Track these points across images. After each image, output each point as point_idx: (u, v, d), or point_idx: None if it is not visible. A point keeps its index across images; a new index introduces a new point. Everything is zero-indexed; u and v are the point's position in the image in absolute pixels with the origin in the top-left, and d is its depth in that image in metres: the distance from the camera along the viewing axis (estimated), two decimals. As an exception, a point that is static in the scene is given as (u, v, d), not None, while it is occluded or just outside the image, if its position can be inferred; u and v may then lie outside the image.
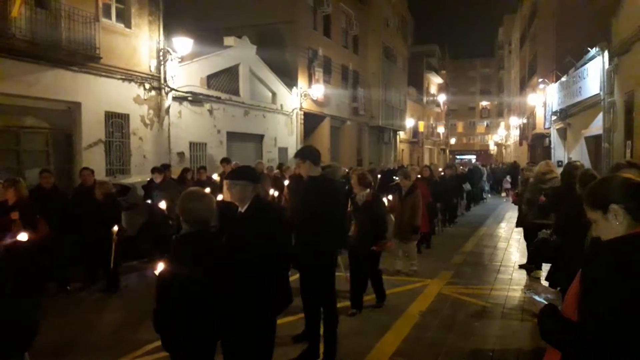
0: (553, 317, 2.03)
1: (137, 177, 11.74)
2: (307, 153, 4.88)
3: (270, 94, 20.74)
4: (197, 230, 3.13)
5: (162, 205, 8.43)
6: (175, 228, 8.30)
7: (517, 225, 8.97)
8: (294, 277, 5.14)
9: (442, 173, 14.26)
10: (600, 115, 14.40)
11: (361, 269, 6.28)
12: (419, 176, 11.01)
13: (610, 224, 1.97)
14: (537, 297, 2.14)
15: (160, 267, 3.17)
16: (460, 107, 66.47)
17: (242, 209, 3.58)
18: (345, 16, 27.80)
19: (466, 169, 20.17)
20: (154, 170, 9.65)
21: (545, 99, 23.70)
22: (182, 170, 11.47)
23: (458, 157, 61.64)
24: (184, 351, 3.05)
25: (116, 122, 13.41)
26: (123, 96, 13.43)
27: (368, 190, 6.42)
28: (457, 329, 5.78)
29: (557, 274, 4.85)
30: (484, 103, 68.32)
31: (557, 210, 6.68)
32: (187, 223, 3.15)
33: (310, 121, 23.74)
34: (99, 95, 12.66)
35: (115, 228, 7.06)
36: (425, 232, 9.92)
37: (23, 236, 5.61)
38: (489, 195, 24.24)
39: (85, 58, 11.91)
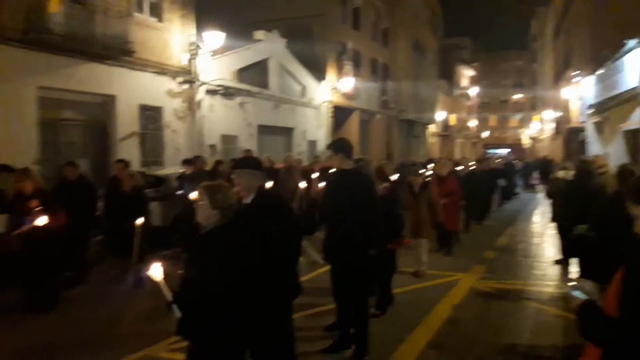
0: (593, 314, 1.99)
1: (171, 168, 11.93)
2: (339, 145, 4.82)
3: (299, 88, 20.79)
4: (229, 220, 3.14)
5: (194, 195, 8.54)
6: None
7: (553, 220, 8.77)
8: (323, 269, 5.40)
9: (473, 167, 13.76)
10: (639, 109, 13.98)
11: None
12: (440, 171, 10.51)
13: None
14: (578, 294, 2.07)
15: (154, 268, 3.10)
16: (492, 100, 65.35)
17: (247, 200, 3.59)
18: (375, 9, 27.60)
19: (502, 163, 19.71)
20: (185, 162, 9.82)
21: (580, 92, 23.09)
22: (215, 162, 11.61)
23: (490, 151, 60.64)
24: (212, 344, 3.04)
25: (150, 114, 13.66)
26: (156, 89, 13.66)
27: (385, 183, 6.21)
28: (490, 323, 5.72)
29: (594, 271, 4.73)
30: (517, 96, 66.95)
31: (565, 204, 6.71)
32: (222, 214, 3.12)
33: (340, 114, 23.70)
34: (133, 89, 12.90)
35: (140, 221, 6.91)
36: (454, 229, 9.52)
37: (42, 220, 5.80)
38: (522, 191, 23.77)
39: (119, 52, 12.12)
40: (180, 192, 9.34)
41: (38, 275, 6.09)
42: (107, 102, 12.59)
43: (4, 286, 6.35)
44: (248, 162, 3.83)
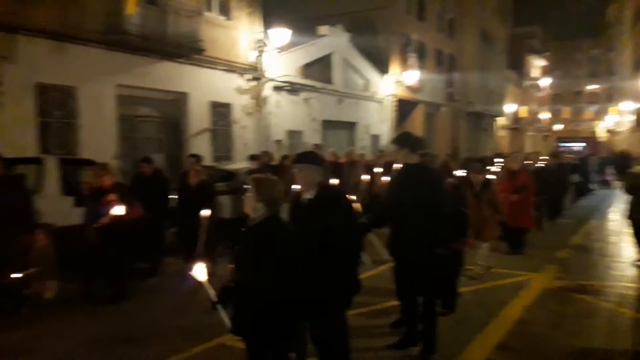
0: None
1: (240, 163, 12.28)
2: (404, 140, 4.71)
3: (363, 82, 20.75)
4: (275, 213, 3.11)
5: None
6: None
7: (629, 217, 8.21)
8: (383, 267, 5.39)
9: (544, 162, 13.06)
10: None
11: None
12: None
13: None
14: None
15: (198, 268, 3.07)
16: (565, 92, 62.18)
17: (307, 195, 3.62)
18: (441, -1, 27.02)
19: (576, 158, 18.82)
20: (251, 157, 10.07)
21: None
22: (281, 157, 11.84)
23: (563, 144, 57.81)
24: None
25: (220, 111, 14.14)
26: (225, 86, 14.11)
27: (450, 179, 5.90)
28: (565, 325, 5.52)
29: None
30: (592, 87, 63.39)
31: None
32: (268, 207, 3.08)
33: (404, 108, 23.43)
34: (203, 86, 13.39)
35: (205, 212, 6.82)
36: (527, 227, 9.05)
37: (119, 209, 6.05)
38: (597, 187, 22.55)
39: (190, 50, 12.61)
40: (247, 186, 9.54)
41: (113, 266, 6.33)
42: (180, 99, 13.15)
43: (78, 277, 6.59)
44: (310, 157, 3.81)
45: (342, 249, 3.50)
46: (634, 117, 35.97)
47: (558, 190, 12.62)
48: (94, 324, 5.57)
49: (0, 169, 5.66)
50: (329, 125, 18.70)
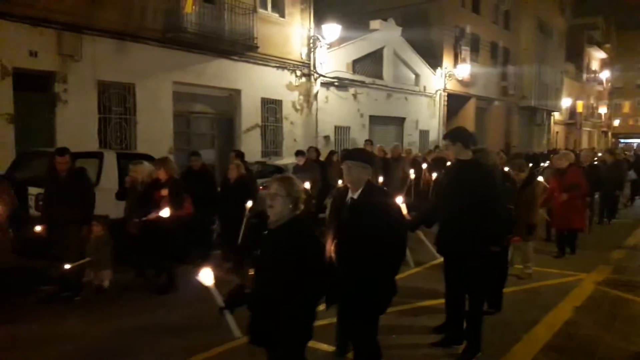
0: None
1: (289, 158, 12.52)
2: (457, 134, 4.60)
3: (413, 76, 20.60)
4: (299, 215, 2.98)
5: (306, 186, 8.82)
6: (316, 207, 8.55)
7: None
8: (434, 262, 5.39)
9: (597, 160, 12.41)
10: None
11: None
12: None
13: None
14: None
15: (204, 273, 2.96)
16: (626, 85, 59.17)
17: (354, 194, 3.47)
18: (497, -11, 26.36)
19: (631, 154, 18.00)
20: (297, 153, 10.03)
21: None
22: (329, 152, 11.98)
23: (622, 140, 55.21)
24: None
25: (270, 107, 14.44)
26: (277, 83, 14.38)
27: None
28: (617, 328, 5.38)
29: None
30: (657, 79, 60.10)
31: None
32: (296, 206, 2.95)
33: (454, 102, 23.10)
34: (256, 83, 13.71)
35: (249, 204, 6.86)
36: (579, 228, 8.60)
37: (165, 212, 6.08)
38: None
39: (244, 48, 12.94)
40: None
41: (161, 259, 6.45)
42: (233, 96, 13.52)
43: (124, 267, 6.74)
44: (360, 154, 3.64)
45: (386, 253, 3.36)
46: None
47: (613, 189, 12.01)
48: (143, 314, 5.72)
49: (68, 163, 5.97)
50: (377, 120, 18.70)
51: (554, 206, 8.33)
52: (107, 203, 6.85)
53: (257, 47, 13.09)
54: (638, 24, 56.10)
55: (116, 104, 11.02)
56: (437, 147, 15.42)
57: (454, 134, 4.64)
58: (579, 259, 8.15)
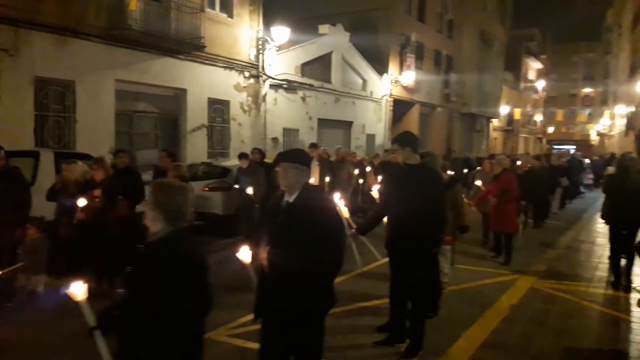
0: None
1: (237, 160, 12.39)
2: (406, 139, 4.66)
3: (360, 81, 20.91)
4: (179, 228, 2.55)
5: (249, 190, 8.68)
6: (258, 212, 8.52)
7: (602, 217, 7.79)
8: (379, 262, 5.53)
9: (529, 165, 12.12)
10: None
11: None
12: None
13: None
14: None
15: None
16: (560, 94, 62.51)
17: (290, 198, 3.22)
18: (441, 0, 27.16)
19: (565, 161, 18.78)
20: (240, 156, 9.80)
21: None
22: (277, 154, 11.93)
23: (556, 147, 58.22)
24: None
25: (217, 108, 14.27)
26: (224, 83, 14.23)
27: None
28: (550, 325, 5.67)
29: None
30: (587, 90, 63.74)
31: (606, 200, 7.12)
32: (167, 220, 2.53)
33: (400, 108, 23.62)
34: (202, 83, 13.51)
35: None
36: (511, 232, 8.61)
37: (81, 201, 5.96)
38: (587, 190, 22.60)
39: (191, 47, 12.73)
40: (236, 185, 9.46)
41: (95, 263, 6.20)
42: (179, 96, 13.27)
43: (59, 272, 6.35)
44: (296, 155, 3.33)
45: (322, 260, 3.09)
46: (625, 121, 36.29)
47: (545, 193, 12.47)
48: (81, 318, 5.54)
49: (1, 160, 5.66)
50: (325, 123, 18.86)
51: (490, 210, 8.64)
52: (43, 204, 6.55)
53: (204, 47, 12.91)
54: (571, 37, 59.38)
55: (55, 102, 10.57)
56: (386, 150, 15.66)
57: (404, 139, 4.70)
58: (515, 259, 8.49)
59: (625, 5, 40.97)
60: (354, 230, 4.98)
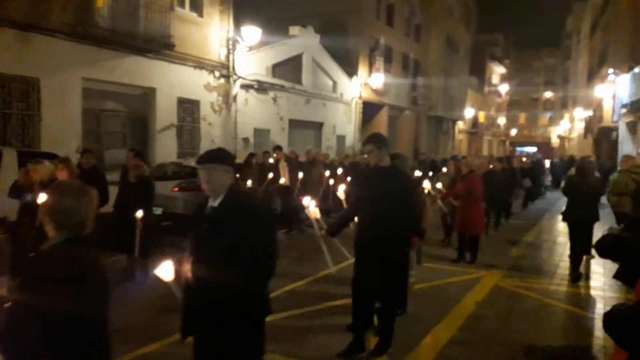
0: (623, 316, 2.01)
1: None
2: (381, 140, 4.67)
3: (331, 83, 21.06)
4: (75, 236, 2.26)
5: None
6: None
7: (563, 219, 8.14)
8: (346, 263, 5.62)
9: (491, 166, 12.24)
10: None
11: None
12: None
13: None
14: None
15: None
16: (522, 98, 64.33)
17: (214, 202, 2.91)
18: (409, 5, 27.61)
19: (529, 162, 19.27)
20: None
21: (615, 90, 22.75)
22: (248, 155, 11.97)
23: (518, 149, 60.00)
24: None
25: (187, 107, 14.15)
26: (194, 83, 14.12)
27: None
28: (514, 321, 5.86)
29: (628, 272, 4.67)
30: (548, 94, 65.74)
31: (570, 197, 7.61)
32: (58, 225, 2.27)
33: (369, 110, 23.88)
34: (172, 82, 13.38)
35: (140, 213, 6.44)
36: (477, 233, 8.65)
37: (42, 197, 5.87)
38: (548, 191, 23.32)
39: (160, 46, 12.59)
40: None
41: None
42: (148, 95, 13.10)
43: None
44: (219, 156, 3.00)
45: (252, 269, 2.80)
46: (584, 124, 37.62)
47: (506, 193, 12.51)
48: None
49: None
50: (296, 124, 18.92)
51: (457, 211, 8.80)
52: (6, 204, 6.37)
53: (174, 46, 12.80)
54: (533, 43, 61.11)
55: (18, 99, 10.30)
56: (361, 152, 15.73)
57: (379, 140, 4.68)
58: (480, 258, 8.68)
59: (584, 12, 42.49)
60: (324, 231, 4.94)
